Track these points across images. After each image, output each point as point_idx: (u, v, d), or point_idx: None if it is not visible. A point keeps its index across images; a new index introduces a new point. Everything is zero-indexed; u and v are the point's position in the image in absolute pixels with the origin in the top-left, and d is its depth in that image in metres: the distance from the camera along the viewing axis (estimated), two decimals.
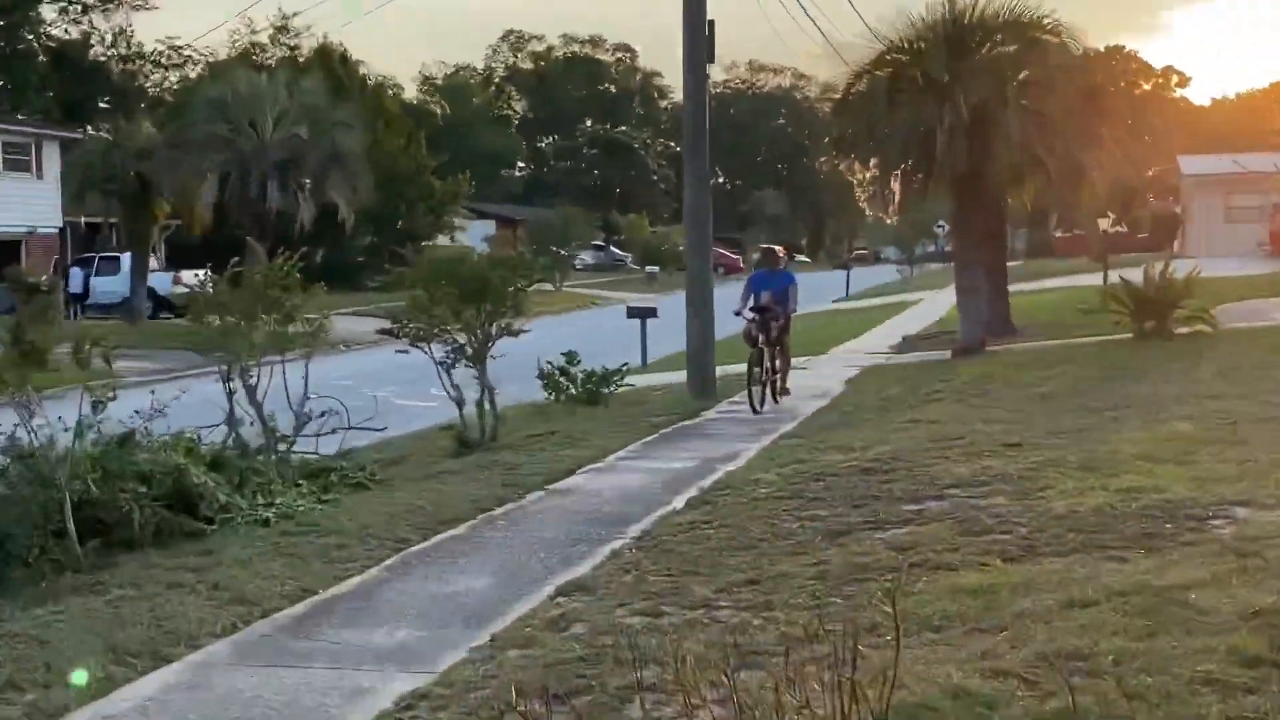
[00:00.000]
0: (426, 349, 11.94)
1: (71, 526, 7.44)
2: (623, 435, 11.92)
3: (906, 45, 18.54)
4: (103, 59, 55.96)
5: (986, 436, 9.49)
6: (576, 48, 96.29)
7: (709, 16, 15.06)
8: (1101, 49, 57.21)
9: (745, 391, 13.24)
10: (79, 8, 54.34)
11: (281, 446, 10.10)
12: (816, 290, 47.35)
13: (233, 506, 8.45)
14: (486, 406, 12.13)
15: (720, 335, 15.41)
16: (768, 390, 13.41)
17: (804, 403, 13.87)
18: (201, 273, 10.86)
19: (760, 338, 13.36)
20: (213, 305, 10.45)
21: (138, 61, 58.40)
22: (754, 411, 12.74)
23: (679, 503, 8.36)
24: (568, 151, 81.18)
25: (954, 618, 5.07)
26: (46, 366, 9.01)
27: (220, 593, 6.53)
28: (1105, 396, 11.58)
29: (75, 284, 35.27)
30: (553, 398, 14.52)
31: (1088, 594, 5.17)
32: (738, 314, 13.72)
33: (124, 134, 34.86)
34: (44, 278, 31.99)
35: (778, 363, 13.71)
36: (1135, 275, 18.17)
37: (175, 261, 38.12)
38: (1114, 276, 21.65)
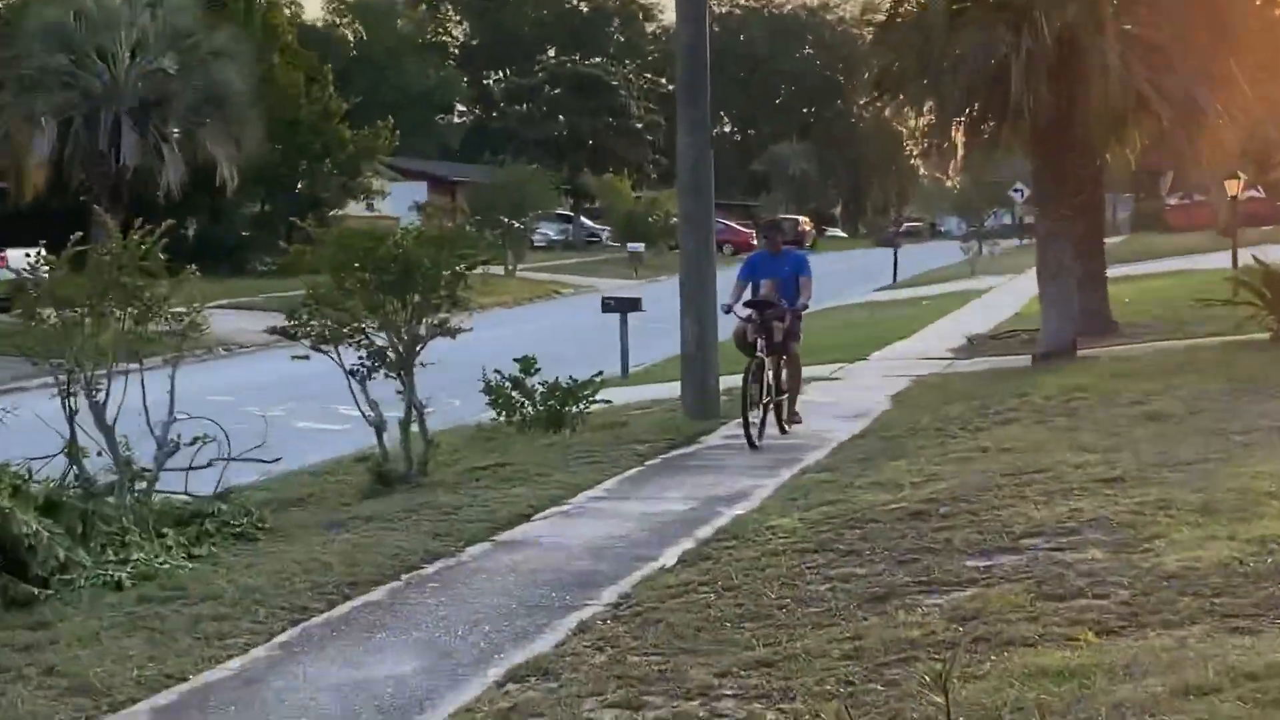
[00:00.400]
0: (334, 354, 11.92)
1: None
2: (596, 468, 11.94)
3: None
4: None
5: (1076, 469, 9.53)
6: None
7: None
8: None
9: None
10: None
11: (140, 484, 10.08)
12: (854, 274, 47.41)
13: (74, 564, 8.42)
14: (414, 430, 12.12)
15: (724, 335, 15.44)
16: (770, 415, 13.20)
17: (835, 424, 13.89)
18: (33, 252, 10.80)
19: (759, 343, 13.12)
20: (47, 296, 10.41)
21: None
22: (751, 445, 12.54)
23: (670, 558, 8.38)
24: (523, 91, 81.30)
25: (1030, 709, 5.09)
26: None
27: (56, 679, 6.51)
28: (1234, 416, 11.64)
29: None
30: (503, 418, 14.54)
31: (1207, 677, 5.19)
32: (728, 310, 13.54)
33: None
34: None
35: (784, 377, 13.49)
36: (1274, 255, 18.27)
37: None
38: (1245, 257, 21.80)
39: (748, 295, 13.62)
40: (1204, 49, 18.53)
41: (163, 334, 10.54)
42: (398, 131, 48.62)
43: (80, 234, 10.63)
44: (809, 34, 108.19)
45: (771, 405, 13.26)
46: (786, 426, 13.52)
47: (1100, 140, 19.62)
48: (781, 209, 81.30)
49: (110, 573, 8.50)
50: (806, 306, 13.70)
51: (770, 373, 13.15)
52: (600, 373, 15.08)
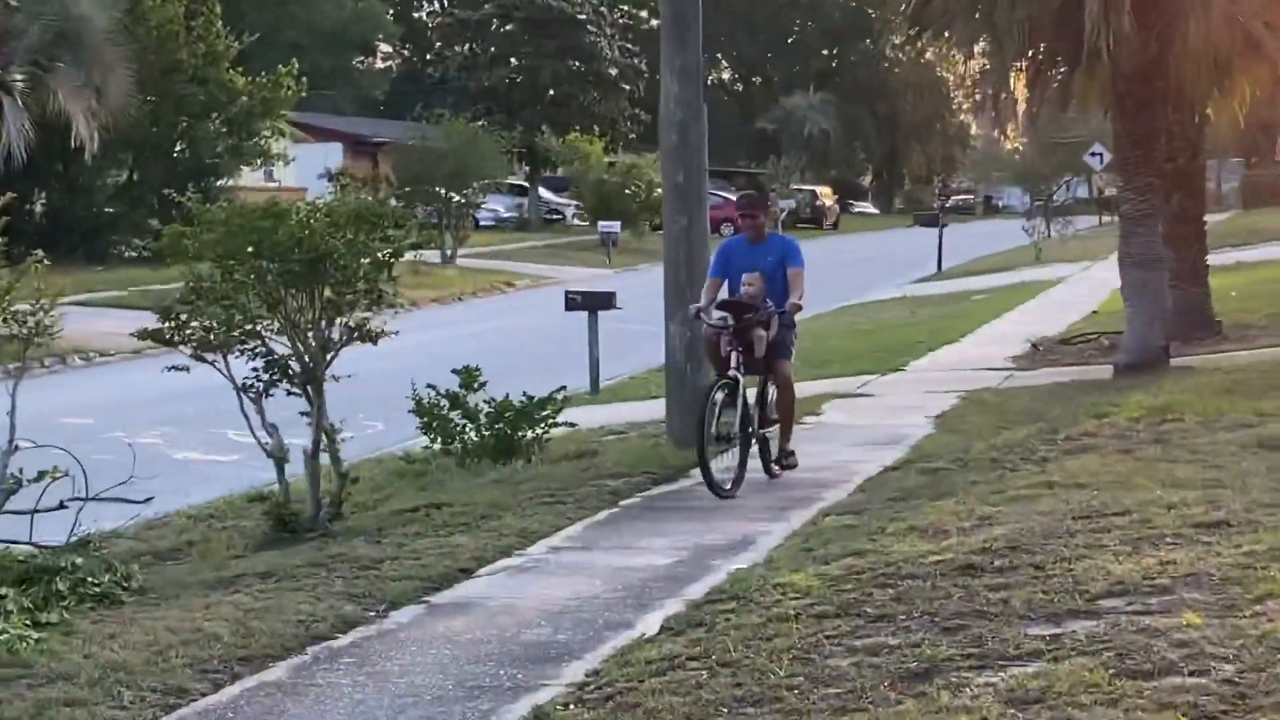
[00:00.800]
0: (221, 365, 11.90)
1: None
2: (557, 511, 11.95)
3: None
4: None
5: (1169, 511, 9.56)
6: None
7: None
8: None
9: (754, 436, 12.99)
10: None
11: None
12: (887, 261, 47.32)
13: None
14: (325, 461, 12.10)
15: None
16: (749, 454, 12.84)
17: (861, 453, 13.91)
18: None
19: (734, 357, 12.75)
20: None
21: None
22: (716, 494, 12.30)
23: (650, 624, 8.39)
24: (465, 29, 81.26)
25: None
26: None
27: None
28: None
29: None
30: (438, 446, 14.53)
31: None
32: (697, 315, 13.26)
33: None
34: None
35: (771, 401, 13.21)
36: None
37: None
38: None
39: (724, 293, 13.31)
40: None
41: (1, 339, 10.50)
42: (304, 79, 48.53)
43: None
44: None
45: (754, 441, 12.98)
46: (776, 470, 13.25)
47: (1200, 91, 19.68)
48: (795, 178, 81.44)
49: None
50: (799, 308, 13.18)
51: (753, 394, 12.94)
52: (563, 388, 15.07)
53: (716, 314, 13.04)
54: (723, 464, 12.59)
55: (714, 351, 13.06)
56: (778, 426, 13.29)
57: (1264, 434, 12.49)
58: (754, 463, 13.04)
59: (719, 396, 12.56)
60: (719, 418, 12.50)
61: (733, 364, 12.71)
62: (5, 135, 34.41)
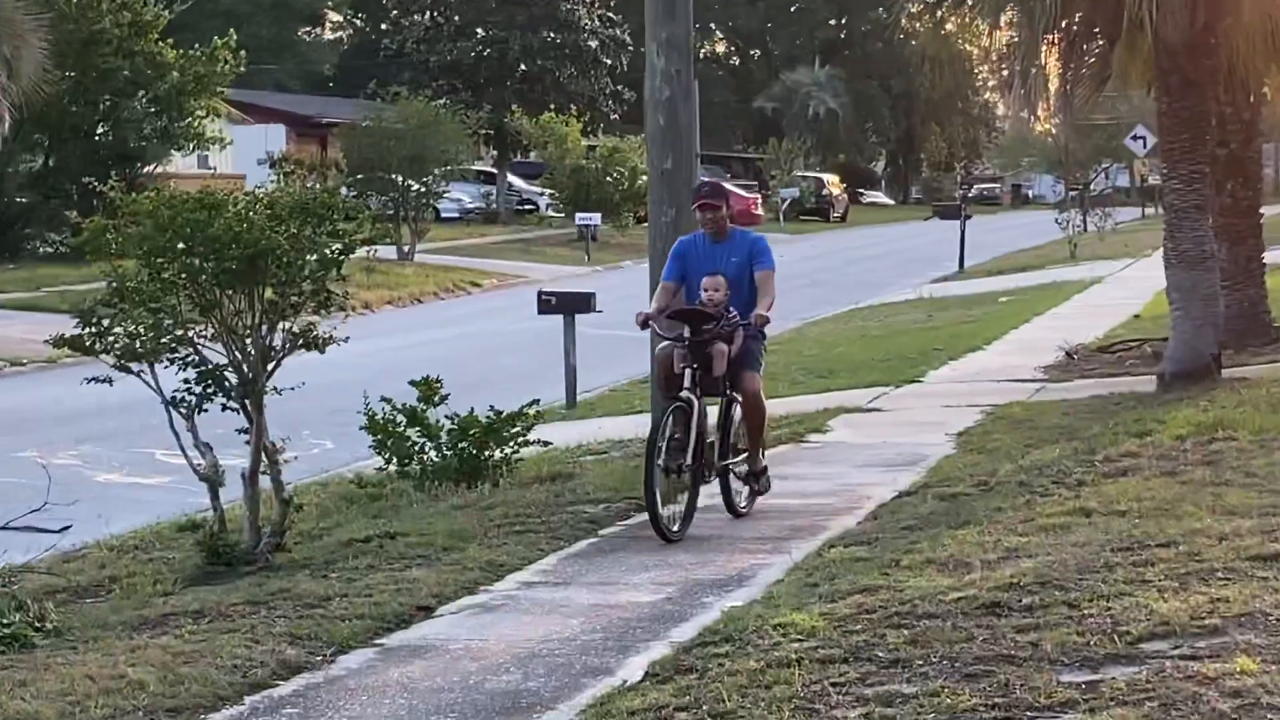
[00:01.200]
0: (148, 375, 11.88)
1: None
2: (528, 541, 11.95)
3: None
4: None
5: (1220, 542, 9.56)
6: None
7: None
8: None
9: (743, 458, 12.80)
10: None
11: None
12: (901, 258, 47.32)
13: None
14: (266, 485, 12.08)
15: None
16: (701, 489, 12.47)
17: (872, 476, 13.92)
18: None
19: (689, 375, 12.36)
20: None
21: None
22: (663, 537, 11.94)
23: (633, 670, 8.39)
24: None
25: None
26: None
27: None
28: None
29: None
30: (394, 467, 14.52)
31: None
32: (646, 324, 12.91)
33: None
34: None
35: (735, 428, 12.81)
36: None
37: None
38: None
39: (683, 299, 12.93)
40: None
41: None
42: (243, 52, 48.47)
43: None
44: None
45: (706, 473, 12.56)
46: (743, 504, 12.93)
47: (1254, 67, 19.70)
48: (799, 164, 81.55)
49: None
50: (767, 320, 12.70)
51: (714, 419, 12.63)
52: (535, 401, 15.08)
53: (670, 324, 12.68)
54: (677, 503, 12.35)
55: (665, 367, 12.67)
56: (744, 456, 12.89)
57: None
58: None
59: (671, 423, 12.25)
60: (666, 445, 12.20)
61: (687, 383, 12.36)
62: None
